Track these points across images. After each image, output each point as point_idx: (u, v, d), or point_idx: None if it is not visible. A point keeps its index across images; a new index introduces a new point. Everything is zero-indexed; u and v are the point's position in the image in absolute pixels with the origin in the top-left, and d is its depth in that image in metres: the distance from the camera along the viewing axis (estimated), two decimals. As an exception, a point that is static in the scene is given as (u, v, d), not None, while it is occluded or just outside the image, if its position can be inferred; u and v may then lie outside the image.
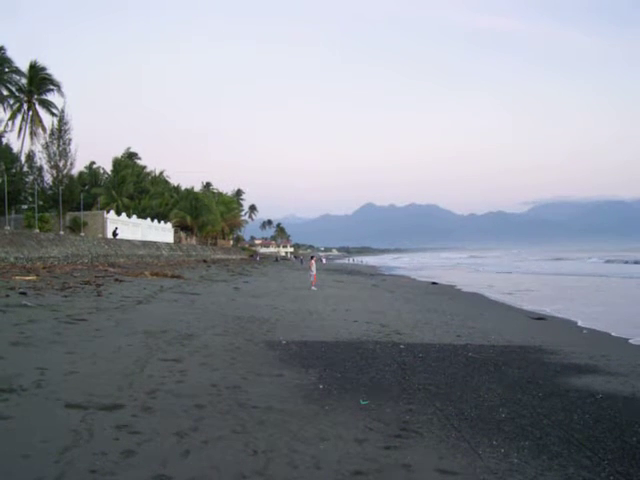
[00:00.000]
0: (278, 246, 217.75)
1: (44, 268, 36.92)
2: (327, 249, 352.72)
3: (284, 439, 7.58)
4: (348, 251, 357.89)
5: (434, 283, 49.06)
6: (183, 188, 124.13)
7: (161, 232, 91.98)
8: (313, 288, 36.41)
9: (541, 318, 23.50)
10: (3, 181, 53.71)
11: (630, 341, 17.97)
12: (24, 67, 70.67)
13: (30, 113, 72.05)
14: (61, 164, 62.36)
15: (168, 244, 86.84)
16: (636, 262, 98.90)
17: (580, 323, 21.94)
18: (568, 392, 10.92)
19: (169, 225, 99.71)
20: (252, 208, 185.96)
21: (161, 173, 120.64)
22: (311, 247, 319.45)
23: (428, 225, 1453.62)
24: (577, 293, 39.58)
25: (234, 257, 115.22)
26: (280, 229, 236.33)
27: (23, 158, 67.08)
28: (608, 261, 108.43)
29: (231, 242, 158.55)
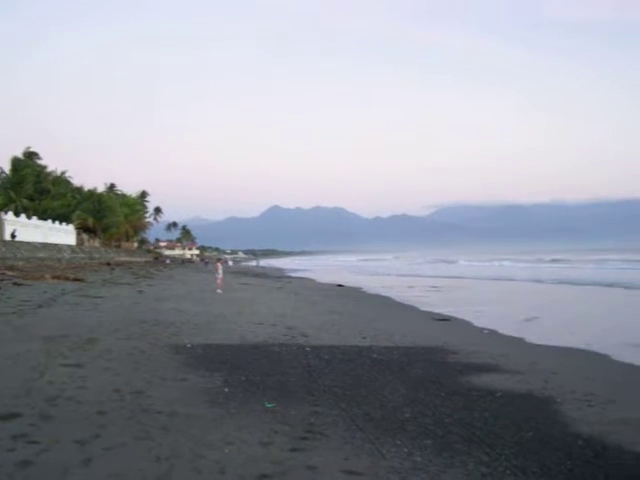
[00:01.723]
0: (184, 248, 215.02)
1: None
2: (233, 251, 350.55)
3: (188, 444, 7.48)
4: (254, 254, 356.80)
5: (339, 285, 49.40)
6: (86, 189, 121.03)
7: (63, 234, 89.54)
8: (219, 291, 36.14)
9: (444, 319, 23.98)
10: None
11: (526, 340, 18.56)
12: None
13: None
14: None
15: (70, 246, 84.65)
16: (529, 263, 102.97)
17: (480, 324, 22.47)
18: (469, 391, 11.19)
19: (71, 227, 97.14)
20: (157, 210, 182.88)
21: (63, 173, 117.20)
22: (217, 249, 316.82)
23: (334, 228, 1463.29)
24: (479, 295, 40.64)
25: (138, 260, 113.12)
26: (186, 231, 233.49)
27: None
28: (505, 263, 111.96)
29: (135, 244, 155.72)
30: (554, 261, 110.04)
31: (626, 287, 43.83)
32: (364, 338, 17.96)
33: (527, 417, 9.40)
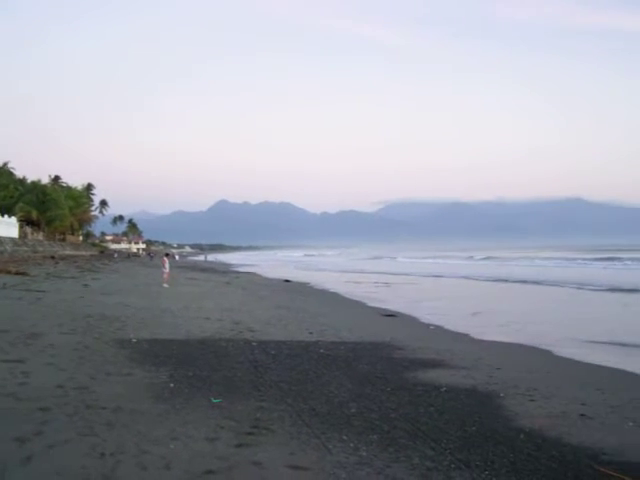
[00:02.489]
0: (130, 242, 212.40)
1: None
2: (180, 246, 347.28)
3: (133, 440, 7.40)
4: (201, 248, 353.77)
5: (287, 281, 49.41)
6: (29, 181, 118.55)
7: (5, 227, 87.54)
8: (165, 285, 35.82)
9: (391, 315, 24.16)
10: None
11: (471, 336, 18.83)
12: None
13: None
14: None
15: (12, 239, 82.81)
16: (470, 259, 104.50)
17: (426, 320, 22.71)
18: (415, 386, 11.31)
19: (14, 219, 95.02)
20: (103, 203, 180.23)
21: (5, 164, 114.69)
22: (164, 244, 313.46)
23: (282, 223, 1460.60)
24: (423, 292, 41.02)
25: (84, 253, 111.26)
26: (132, 225, 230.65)
27: None
28: (447, 259, 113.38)
29: (81, 238, 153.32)
30: (488, 258, 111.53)
31: (560, 285, 44.45)
32: (311, 333, 18.00)
33: (471, 412, 9.54)
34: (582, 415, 9.52)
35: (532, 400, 10.46)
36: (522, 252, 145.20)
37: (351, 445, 7.72)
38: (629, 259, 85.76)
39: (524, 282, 47.91)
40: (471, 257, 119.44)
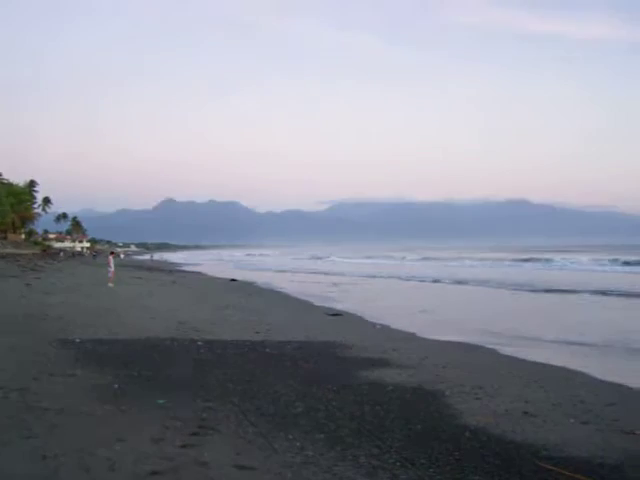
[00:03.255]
0: (74, 241, 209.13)
1: None
2: (125, 244, 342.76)
3: (77, 442, 7.28)
4: (147, 247, 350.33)
5: (233, 280, 49.15)
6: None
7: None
8: (110, 285, 35.36)
9: (337, 314, 24.22)
10: None
11: (417, 335, 18.97)
12: None
13: None
14: None
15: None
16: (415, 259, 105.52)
17: (372, 319, 22.82)
18: (361, 385, 11.35)
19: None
20: (46, 200, 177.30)
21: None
22: (109, 242, 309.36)
23: (228, 222, 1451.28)
24: (367, 292, 41.19)
25: (26, 252, 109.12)
26: (76, 223, 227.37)
27: None
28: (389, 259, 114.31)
29: (23, 236, 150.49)
30: (425, 259, 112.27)
31: (485, 285, 44.95)
32: (257, 333, 17.95)
33: (417, 410, 9.62)
34: (525, 413, 9.67)
35: (477, 398, 10.59)
36: (459, 252, 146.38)
37: (297, 444, 7.72)
38: (549, 260, 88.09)
39: (458, 283, 47.93)
40: (404, 258, 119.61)
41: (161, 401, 9.44)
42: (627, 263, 70.08)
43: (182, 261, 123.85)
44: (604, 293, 34.94)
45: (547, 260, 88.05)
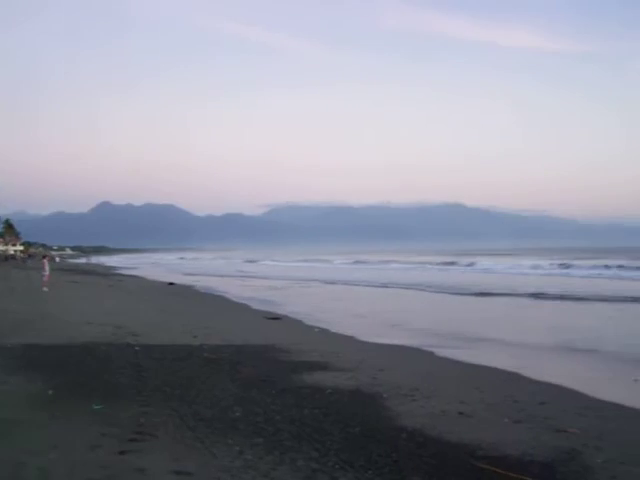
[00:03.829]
0: (6, 244, 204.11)
1: None
2: (61, 248, 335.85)
3: (8, 452, 7.12)
4: (83, 250, 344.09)
5: (171, 284, 48.69)
6: None
7: None
8: (45, 289, 34.63)
9: (276, 318, 24.19)
10: None
11: (355, 338, 19.09)
12: None
13: None
14: None
15: None
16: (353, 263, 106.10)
17: (311, 322, 22.87)
18: (300, 388, 11.38)
19: None
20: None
21: None
22: (44, 245, 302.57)
23: (166, 225, 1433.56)
24: (306, 295, 41.25)
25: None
26: (8, 225, 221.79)
27: None
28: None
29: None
30: (357, 262, 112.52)
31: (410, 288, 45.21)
32: (195, 337, 17.82)
33: (355, 413, 9.68)
34: (461, 413, 9.84)
35: (414, 400, 10.72)
36: (390, 255, 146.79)
37: (236, 449, 7.70)
38: (472, 263, 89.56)
39: (385, 286, 47.87)
40: (333, 261, 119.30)
41: (97, 407, 9.31)
42: (564, 266, 71.16)
43: (119, 264, 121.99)
44: (537, 296, 35.52)
45: (470, 264, 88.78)
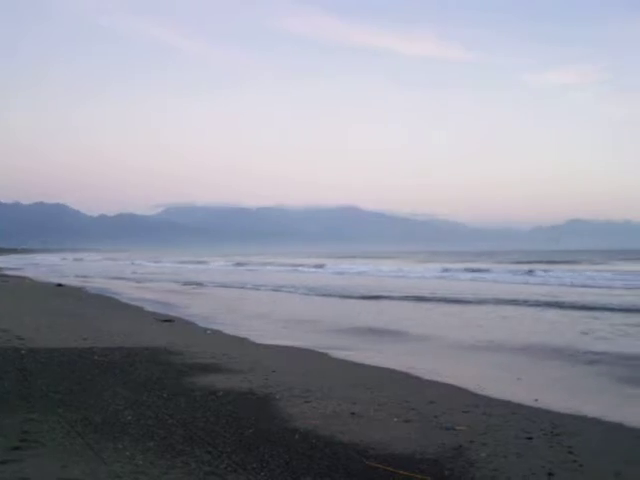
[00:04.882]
0: None
1: None
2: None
3: None
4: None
5: (59, 285, 47.29)
6: None
7: None
8: None
9: (168, 320, 23.89)
10: None
11: (249, 340, 19.07)
12: None
13: None
14: None
15: None
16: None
17: (204, 324, 22.71)
18: (193, 391, 11.29)
19: None
20: None
21: None
22: None
23: (57, 225, 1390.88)
24: (196, 297, 40.80)
25: None
26: None
27: None
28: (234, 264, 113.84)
29: None
30: (239, 264, 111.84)
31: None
32: (85, 339, 17.42)
33: (248, 415, 9.68)
34: (353, 413, 9.98)
35: (307, 401, 10.80)
36: (271, 258, 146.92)
37: (127, 454, 7.58)
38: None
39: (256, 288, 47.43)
40: (210, 262, 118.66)
41: (-21, 414, 8.97)
42: (446, 270, 72.75)
43: (4, 265, 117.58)
44: (420, 298, 36.12)
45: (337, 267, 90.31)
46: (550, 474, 7.31)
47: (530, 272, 61.12)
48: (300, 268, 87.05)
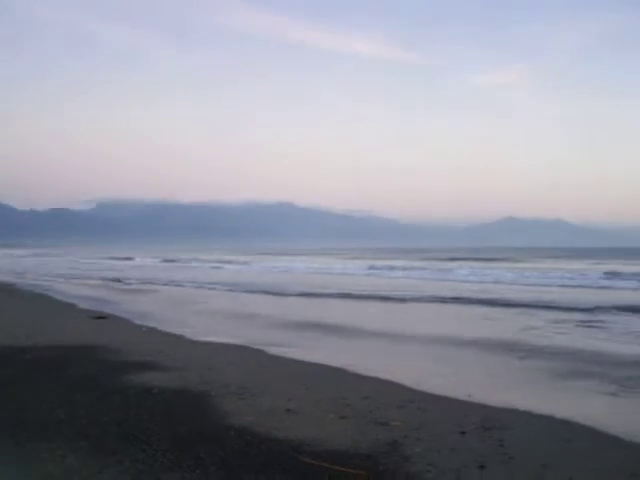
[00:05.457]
0: None
1: None
2: None
3: None
4: None
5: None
6: None
7: None
8: None
9: (102, 317, 23.58)
10: None
11: (185, 337, 18.96)
12: None
13: None
14: None
15: None
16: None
17: (140, 321, 22.50)
18: (127, 389, 11.20)
19: None
20: None
21: None
22: None
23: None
24: (126, 293, 40.25)
25: None
26: None
27: None
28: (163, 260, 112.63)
29: None
30: (166, 260, 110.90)
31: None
32: (16, 337, 17.10)
33: (183, 412, 9.66)
34: (288, 410, 10.04)
35: (242, 398, 10.81)
36: (202, 254, 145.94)
37: (59, 453, 7.50)
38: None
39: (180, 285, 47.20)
40: (133, 258, 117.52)
41: None
42: (372, 267, 73.18)
43: None
44: (348, 295, 36.30)
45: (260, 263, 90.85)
46: (481, 467, 7.50)
47: (450, 270, 63.16)
48: (226, 265, 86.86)
